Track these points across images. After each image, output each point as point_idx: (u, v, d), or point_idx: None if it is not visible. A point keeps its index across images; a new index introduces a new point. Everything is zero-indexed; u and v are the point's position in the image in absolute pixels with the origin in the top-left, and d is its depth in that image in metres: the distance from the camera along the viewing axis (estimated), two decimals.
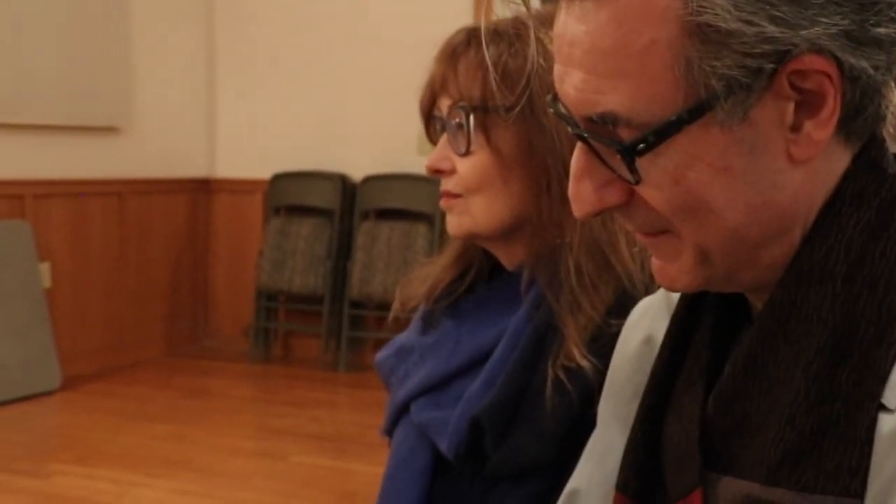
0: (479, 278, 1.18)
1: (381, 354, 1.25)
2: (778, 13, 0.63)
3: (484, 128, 1.07)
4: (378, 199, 5.16)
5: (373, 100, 5.19)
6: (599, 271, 1.05)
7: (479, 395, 1.08)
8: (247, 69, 5.57)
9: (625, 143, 0.67)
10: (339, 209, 5.26)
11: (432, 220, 4.96)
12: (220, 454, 3.92)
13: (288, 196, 5.39)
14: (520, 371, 1.06)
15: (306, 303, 5.36)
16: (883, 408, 0.64)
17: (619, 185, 0.71)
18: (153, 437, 4.11)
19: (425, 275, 1.22)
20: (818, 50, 0.64)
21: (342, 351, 5.21)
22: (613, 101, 0.67)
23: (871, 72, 0.66)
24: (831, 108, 0.66)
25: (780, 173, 0.67)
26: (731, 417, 0.70)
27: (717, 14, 0.63)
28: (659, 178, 0.68)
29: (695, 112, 0.65)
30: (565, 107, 0.71)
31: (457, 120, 1.08)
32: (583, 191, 0.72)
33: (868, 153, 0.70)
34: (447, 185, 1.11)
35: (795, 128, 0.66)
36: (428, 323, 1.20)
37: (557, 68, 0.71)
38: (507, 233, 1.10)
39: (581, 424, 0.99)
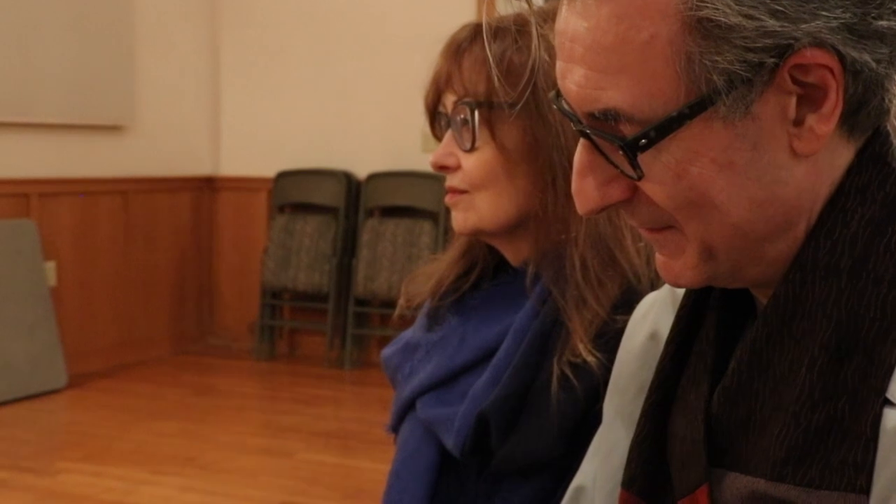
0: (485, 275, 1.18)
1: (386, 351, 1.26)
2: (778, 7, 0.63)
3: (489, 124, 1.07)
4: (383, 197, 5.16)
5: (377, 97, 5.19)
6: (605, 267, 1.05)
7: (485, 392, 1.08)
8: (251, 67, 5.57)
9: (627, 139, 0.67)
10: (343, 207, 5.26)
11: (437, 218, 4.96)
12: (226, 451, 3.92)
13: (293, 194, 5.39)
14: (525, 367, 1.06)
15: (311, 300, 5.36)
16: (888, 403, 0.64)
17: (623, 182, 0.71)
18: (160, 434, 4.12)
19: (430, 271, 1.22)
20: (819, 44, 0.64)
21: (347, 348, 5.22)
22: (615, 96, 0.67)
23: (874, 65, 0.66)
24: (833, 102, 0.66)
25: (784, 168, 0.67)
26: (736, 414, 0.70)
27: (717, 9, 0.63)
28: (662, 173, 0.68)
29: (696, 107, 0.65)
30: (568, 103, 0.71)
31: (462, 116, 1.08)
32: (586, 187, 0.72)
33: (872, 147, 0.70)
34: (452, 181, 1.11)
35: (798, 122, 0.66)
36: (433, 320, 1.20)
37: (559, 65, 0.71)
38: (513, 229, 1.10)
39: (587, 420, 0.99)
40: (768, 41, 0.63)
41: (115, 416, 4.38)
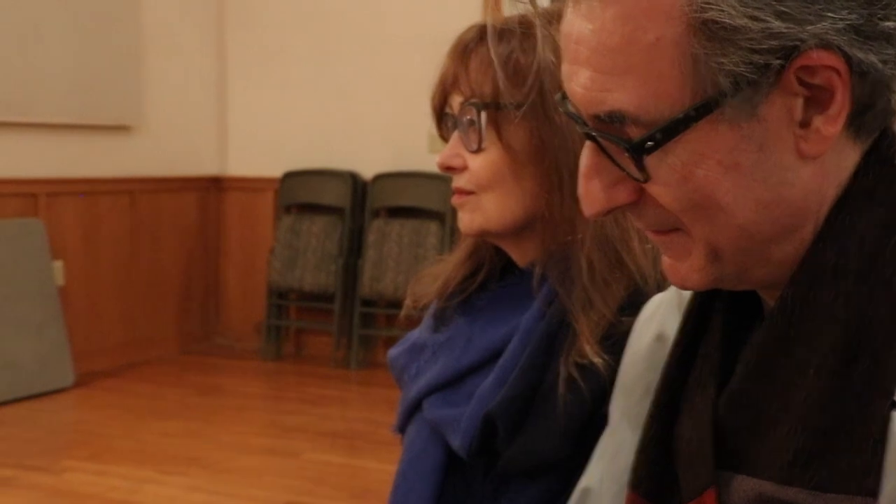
0: (491, 276, 1.18)
1: (393, 351, 1.26)
2: (784, 8, 0.63)
3: (495, 125, 1.07)
4: (389, 197, 5.16)
5: (384, 98, 5.19)
6: (611, 268, 1.05)
7: (492, 393, 1.08)
8: (258, 68, 5.58)
9: (633, 142, 0.67)
10: (350, 207, 5.27)
11: (443, 218, 4.96)
12: (231, 451, 3.93)
13: (299, 194, 5.40)
14: (532, 368, 1.06)
15: (317, 300, 5.37)
16: None
17: (629, 184, 0.71)
18: (165, 434, 4.12)
19: (437, 272, 1.22)
20: (826, 45, 0.64)
21: (353, 348, 5.22)
22: (621, 99, 0.67)
23: (880, 66, 0.65)
24: (840, 104, 0.66)
25: (790, 170, 0.67)
26: (743, 416, 0.69)
27: (722, 10, 0.63)
28: (668, 175, 0.68)
29: (702, 109, 0.65)
30: (573, 105, 0.71)
31: (468, 117, 1.08)
32: (592, 190, 0.72)
33: (879, 148, 0.69)
34: (459, 182, 1.11)
35: (804, 124, 0.66)
36: (440, 320, 1.20)
37: (565, 67, 0.71)
38: (519, 230, 1.10)
39: (593, 421, 0.99)
40: (774, 43, 0.63)
41: (121, 416, 4.39)
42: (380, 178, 5.21)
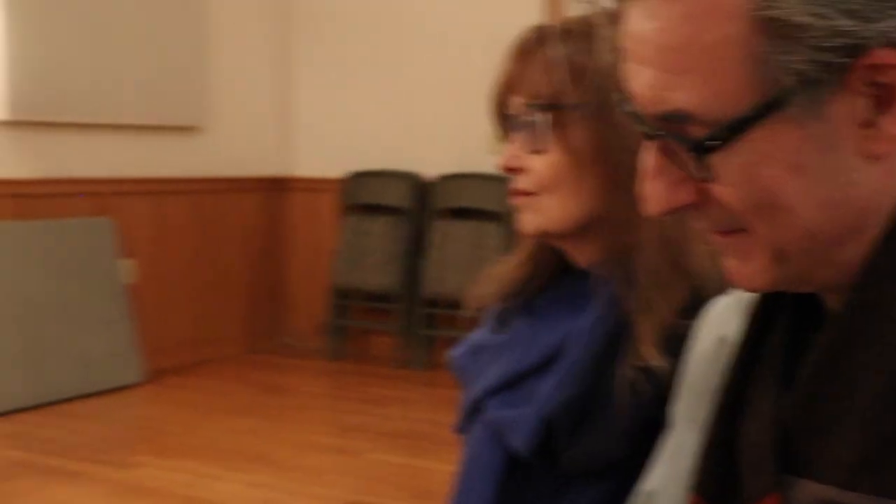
0: (552, 277, 1.18)
1: (454, 352, 1.26)
2: (850, 6, 0.62)
3: (557, 126, 1.07)
4: (451, 198, 5.17)
5: (447, 99, 5.21)
6: (672, 270, 1.04)
7: (551, 394, 1.08)
8: (323, 69, 5.63)
9: (696, 141, 0.66)
10: (412, 208, 5.28)
11: (504, 219, 4.95)
12: (295, 449, 3.97)
13: (362, 195, 5.43)
14: (592, 370, 1.06)
15: (380, 301, 5.40)
16: None
17: (691, 184, 0.70)
18: (231, 430, 4.18)
19: (497, 273, 1.22)
20: (892, 43, 0.63)
21: (416, 349, 5.24)
22: (683, 98, 0.66)
23: None
24: None
25: (856, 170, 0.66)
26: (807, 419, 0.68)
27: (786, 8, 0.62)
28: (731, 176, 0.67)
29: (766, 108, 0.64)
30: (635, 105, 0.71)
31: (529, 118, 1.08)
32: (654, 190, 0.71)
33: None
34: (520, 183, 1.11)
35: (870, 123, 0.65)
36: (500, 322, 1.20)
37: (627, 66, 0.71)
38: (580, 231, 1.10)
39: (653, 424, 0.98)
40: (839, 41, 0.62)
41: (188, 412, 4.46)
42: (442, 179, 5.22)
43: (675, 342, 0.98)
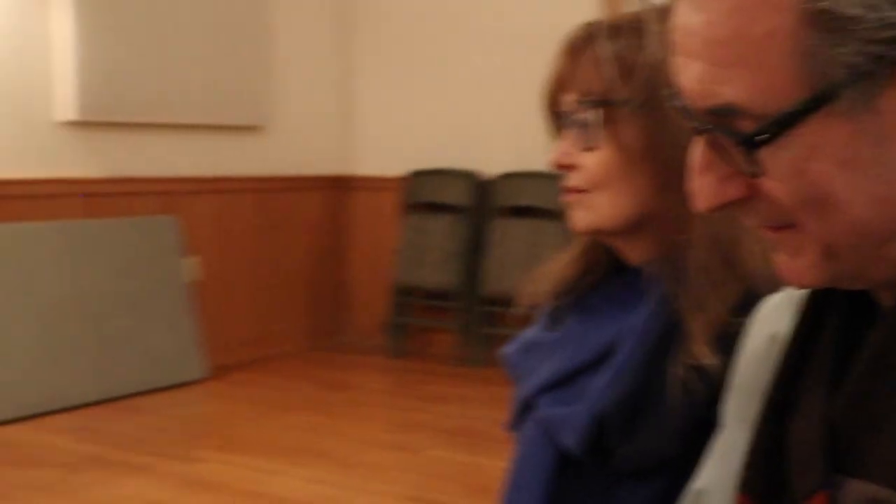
0: (604, 275, 1.17)
1: (506, 349, 1.26)
2: None
3: (607, 122, 1.06)
4: (511, 197, 5.16)
5: (506, 97, 5.20)
6: (723, 268, 1.03)
7: (603, 392, 1.08)
8: (384, 68, 5.66)
9: (745, 135, 0.66)
10: (472, 206, 5.29)
11: (563, 218, 4.91)
12: (355, 446, 4.00)
13: (423, 193, 5.45)
14: (644, 368, 1.05)
15: (440, 299, 5.41)
16: None
17: (740, 179, 0.69)
18: (292, 427, 4.23)
19: (550, 271, 1.22)
20: None
21: (475, 346, 5.25)
22: (732, 92, 0.66)
23: None
24: None
25: None
26: (857, 418, 0.67)
27: (836, 0, 0.61)
28: (781, 170, 0.66)
29: (816, 102, 0.63)
30: (684, 99, 0.70)
31: (581, 115, 1.08)
32: (703, 185, 0.71)
33: None
34: (571, 180, 1.11)
35: None
36: (553, 319, 1.20)
37: (676, 60, 0.70)
38: (631, 228, 1.09)
39: (704, 422, 0.98)
40: (891, 33, 0.61)
41: (250, 408, 4.52)
42: (502, 177, 5.22)
43: (728, 341, 0.97)
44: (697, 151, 0.71)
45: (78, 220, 4.56)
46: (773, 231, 0.71)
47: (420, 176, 5.46)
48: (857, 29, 0.62)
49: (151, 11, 4.76)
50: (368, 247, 5.79)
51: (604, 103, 1.06)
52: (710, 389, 0.99)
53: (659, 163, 1.05)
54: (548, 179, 4.95)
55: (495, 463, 3.68)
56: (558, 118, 1.14)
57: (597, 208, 1.09)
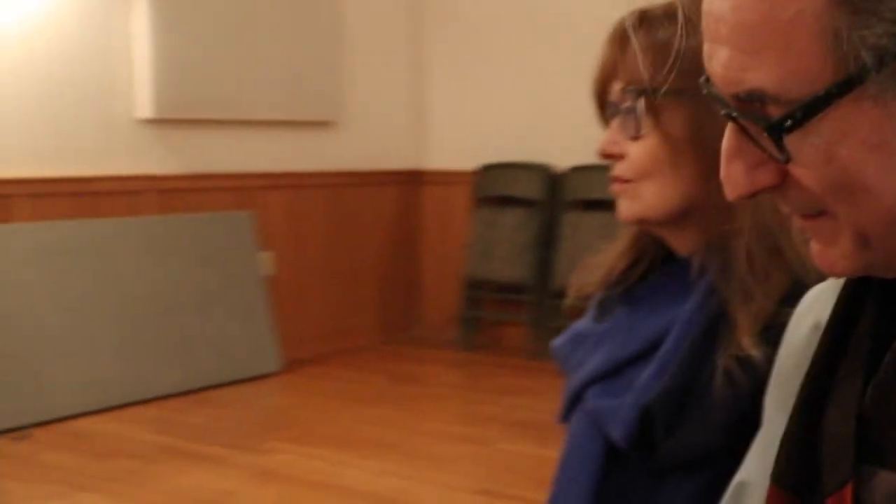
0: (653, 265, 1.16)
1: (557, 341, 1.26)
2: None
3: (653, 111, 1.05)
4: (582, 190, 5.13)
5: (578, 90, 5.12)
6: (770, 258, 1.01)
7: (650, 384, 1.06)
8: (455, 63, 5.66)
9: (771, 120, 0.64)
10: (543, 200, 5.27)
11: None
12: (426, 438, 4.02)
13: (494, 187, 5.45)
14: (691, 360, 1.04)
15: (511, 292, 5.40)
16: None
17: (772, 166, 0.68)
18: (364, 419, 4.27)
19: (599, 262, 1.21)
20: None
21: (546, 340, 5.21)
22: (760, 77, 0.64)
23: None
24: None
25: None
26: (888, 409, 0.66)
27: None
28: (810, 156, 0.65)
29: (844, 86, 0.62)
30: (715, 87, 0.69)
31: (626, 104, 1.07)
32: (734, 173, 0.69)
33: None
34: (618, 170, 1.10)
35: None
36: (602, 310, 1.19)
37: (706, 46, 0.69)
38: (678, 218, 1.08)
39: (751, 415, 0.96)
40: None
41: (323, 401, 4.57)
42: (573, 170, 5.18)
43: (775, 332, 0.95)
44: (728, 138, 0.70)
45: (156, 215, 4.67)
46: (806, 219, 0.70)
47: (491, 169, 5.46)
48: (885, 10, 0.60)
49: (226, 9, 4.84)
50: (440, 241, 5.80)
51: (649, 92, 1.05)
52: (756, 382, 0.97)
53: (703, 151, 1.03)
54: None
55: None
56: (607, 107, 1.13)
57: (643, 198, 1.08)
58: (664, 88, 1.03)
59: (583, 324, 1.23)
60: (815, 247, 0.71)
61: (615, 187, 1.11)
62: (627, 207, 1.10)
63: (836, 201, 0.66)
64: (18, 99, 4.26)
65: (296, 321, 5.25)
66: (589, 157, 5.31)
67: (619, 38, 1.08)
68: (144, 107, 4.61)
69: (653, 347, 1.09)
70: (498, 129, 5.50)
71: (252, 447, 3.87)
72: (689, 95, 1.02)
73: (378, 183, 5.70)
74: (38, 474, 3.56)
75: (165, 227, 4.67)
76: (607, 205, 5.16)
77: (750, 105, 0.66)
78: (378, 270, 5.73)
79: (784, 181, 0.68)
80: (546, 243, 5.26)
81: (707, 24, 0.69)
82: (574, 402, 1.19)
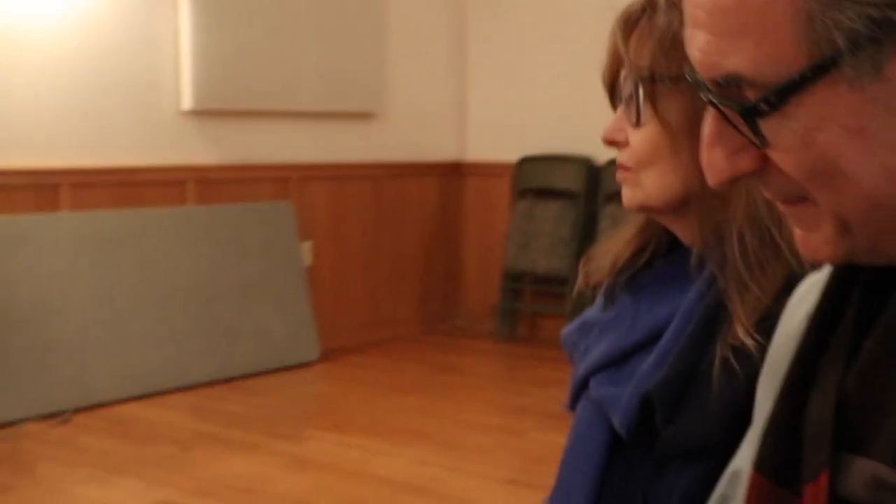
0: (658, 252, 1.16)
1: (565, 329, 1.26)
2: None
3: (652, 98, 1.05)
4: None
5: None
6: (765, 249, 1.00)
7: (651, 372, 1.06)
8: (497, 54, 5.66)
9: (746, 105, 0.64)
10: (583, 192, 5.25)
11: None
12: (462, 428, 4.03)
13: (534, 179, 5.44)
14: (691, 349, 1.03)
15: (550, 284, 5.39)
16: None
17: (753, 152, 0.68)
18: (401, 408, 4.29)
19: (608, 249, 1.21)
20: None
21: None
22: (737, 61, 0.64)
23: None
24: None
25: None
26: (867, 396, 0.65)
27: None
28: (788, 141, 0.64)
29: (819, 70, 0.61)
30: (695, 72, 0.69)
31: (628, 91, 1.07)
32: (715, 158, 0.69)
33: None
34: (621, 157, 1.10)
35: None
36: (609, 298, 1.19)
37: (686, 31, 0.69)
38: (679, 207, 1.07)
39: (748, 405, 0.95)
40: None
41: (360, 390, 4.60)
42: (613, 162, 5.13)
43: (772, 323, 0.95)
44: (708, 123, 0.70)
45: (198, 206, 4.72)
46: (788, 205, 0.69)
47: (531, 162, 5.45)
48: None
49: (269, 1, 4.87)
50: (480, 232, 5.81)
51: (648, 79, 1.04)
52: (752, 372, 0.97)
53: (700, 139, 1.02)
54: None
55: None
56: (616, 95, 1.13)
57: (643, 186, 1.07)
58: (660, 75, 1.03)
59: (591, 312, 1.23)
60: (797, 233, 0.71)
61: (618, 175, 1.11)
62: (629, 195, 1.10)
63: (815, 187, 0.65)
64: (64, 90, 4.33)
65: (336, 311, 5.28)
66: None
67: (625, 25, 1.08)
68: (186, 98, 4.66)
69: (656, 336, 1.09)
70: (538, 121, 5.49)
71: (289, 435, 3.90)
72: (686, 82, 1.02)
73: (419, 174, 5.71)
74: (77, 458, 3.62)
75: (207, 218, 4.72)
76: None
77: (728, 90, 0.66)
78: (418, 261, 5.75)
79: (765, 167, 0.68)
80: (585, 235, 5.23)
81: (686, 9, 0.68)
82: (580, 390, 1.19)
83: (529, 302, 5.62)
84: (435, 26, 5.73)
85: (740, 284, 1.00)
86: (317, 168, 5.20)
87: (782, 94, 0.63)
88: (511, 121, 5.62)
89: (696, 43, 0.67)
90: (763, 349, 0.96)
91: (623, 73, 1.09)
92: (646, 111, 1.05)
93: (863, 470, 0.64)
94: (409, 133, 5.64)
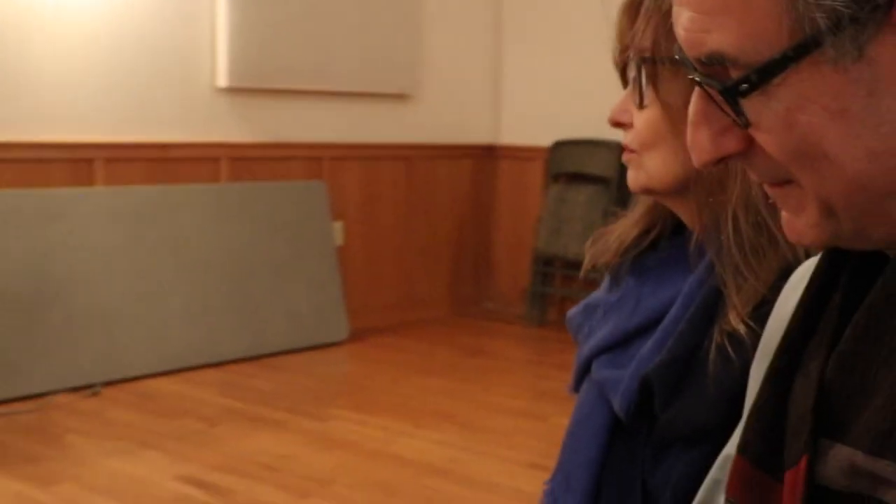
0: (663, 235, 1.15)
1: (570, 311, 1.26)
2: None
3: (653, 80, 1.04)
4: None
5: None
6: (758, 234, 0.99)
7: (651, 356, 1.06)
8: (532, 38, 5.63)
9: (727, 84, 0.63)
10: (616, 177, 5.21)
11: None
12: (486, 411, 4.04)
13: (567, 163, 5.41)
14: (689, 333, 1.03)
15: (581, 269, 5.36)
16: None
17: (737, 132, 0.67)
18: (427, 390, 4.30)
19: (614, 230, 1.20)
20: None
21: None
22: (720, 39, 0.63)
23: None
24: None
25: None
26: (847, 382, 0.64)
27: None
28: (771, 121, 0.63)
29: (801, 49, 0.60)
30: (681, 50, 0.68)
31: (633, 73, 1.06)
32: (700, 138, 0.68)
33: None
34: (626, 139, 1.09)
35: None
36: (614, 280, 1.19)
37: (673, 9, 0.68)
38: (681, 189, 1.06)
39: (744, 391, 0.95)
40: None
41: (387, 371, 4.62)
42: None
43: (768, 309, 0.94)
44: (694, 103, 0.69)
45: (230, 183, 4.75)
46: (774, 187, 0.68)
47: (564, 146, 5.42)
48: None
49: None
50: (512, 216, 5.79)
51: (649, 60, 1.03)
52: (748, 358, 0.96)
53: None
54: None
55: None
56: (626, 76, 1.12)
57: (647, 168, 1.06)
58: (661, 57, 1.02)
59: (596, 294, 1.22)
60: (784, 216, 0.70)
61: (624, 156, 1.10)
62: (633, 177, 1.09)
63: (798, 169, 0.65)
64: (100, 65, 4.37)
65: (366, 291, 5.30)
66: None
67: (630, 5, 1.07)
68: (222, 75, 4.68)
69: (658, 319, 1.09)
70: (573, 106, 5.46)
71: (314, 413, 3.93)
72: (686, 63, 1.01)
73: (452, 156, 5.70)
74: (105, 431, 3.67)
75: (239, 195, 4.75)
76: None
77: (713, 68, 0.65)
78: (449, 243, 5.75)
79: (750, 148, 0.67)
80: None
81: None
82: (583, 372, 1.19)
83: (560, 286, 5.60)
84: (471, 9, 5.71)
85: (736, 271, 0.99)
86: (350, 148, 5.22)
87: (763, 74, 0.62)
88: (545, 104, 5.59)
89: (682, 21, 0.66)
90: (757, 336, 0.95)
91: (629, 55, 1.08)
92: (648, 93, 1.04)
93: (839, 457, 0.63)
94: (444, 115, 5.63)
